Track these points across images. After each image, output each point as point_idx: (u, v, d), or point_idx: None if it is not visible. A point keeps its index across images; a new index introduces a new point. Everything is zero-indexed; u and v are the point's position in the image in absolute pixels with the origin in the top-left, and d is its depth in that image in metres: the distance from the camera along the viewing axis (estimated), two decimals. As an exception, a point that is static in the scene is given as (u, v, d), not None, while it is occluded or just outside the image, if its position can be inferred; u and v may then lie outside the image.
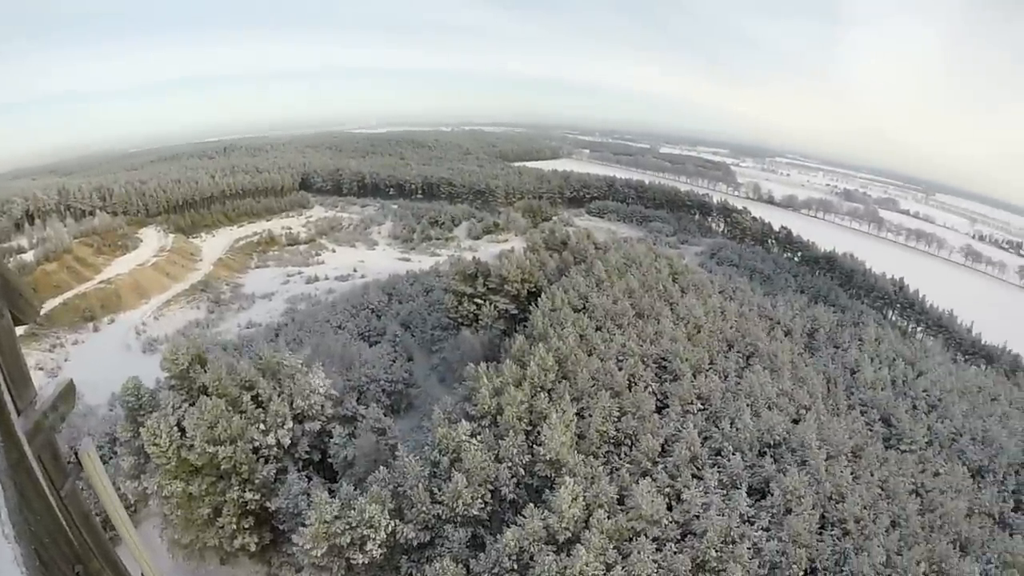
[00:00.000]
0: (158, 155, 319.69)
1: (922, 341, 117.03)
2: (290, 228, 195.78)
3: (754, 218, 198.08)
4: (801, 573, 45.47)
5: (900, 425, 69.82)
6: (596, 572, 40.73)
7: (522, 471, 51.77)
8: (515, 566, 42.47)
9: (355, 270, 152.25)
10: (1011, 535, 55.94)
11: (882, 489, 56.78)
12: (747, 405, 63.12)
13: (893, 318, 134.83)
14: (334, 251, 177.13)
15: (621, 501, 48.86)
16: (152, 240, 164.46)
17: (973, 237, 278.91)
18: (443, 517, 47.31)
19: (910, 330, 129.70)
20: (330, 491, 49.21)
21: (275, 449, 53.72)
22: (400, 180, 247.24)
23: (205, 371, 54.44)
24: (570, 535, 44.49)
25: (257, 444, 52.34)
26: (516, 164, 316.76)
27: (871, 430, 68.77)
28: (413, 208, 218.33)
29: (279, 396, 56.42)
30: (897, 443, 67.96)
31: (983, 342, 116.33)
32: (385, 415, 64.05)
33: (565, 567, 40.57)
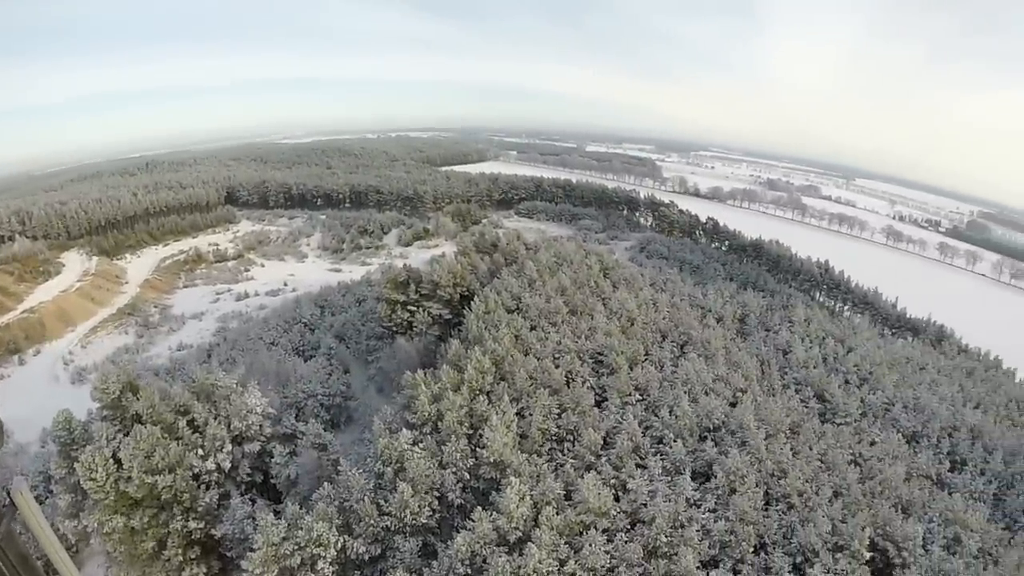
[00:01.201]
0: (78, 174, 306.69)
1: (850, 318, 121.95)
2: (217, 244, 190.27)
3: (681, 211, 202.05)
4: (751, 549, 46.46)
5: (834, 400, 72.37)
6: (550, 569, 40.63)
7: (467, 475, 51.30)
8: (469, 571, 42.11)
9: (285, 284, 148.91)
10: (950, 494, 59.07)
11: (822, 462, 58.77)
12: (684, 392, 64.38)
13: (820, 299, 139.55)
14: (263, 266, 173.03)
15: (568, 496, 48.92)
16: (75, 264, 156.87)
17: (893, 218, 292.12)
18: (392, 528, 46.55)
19: (838, 309, 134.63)
20: (275, 512, 47.72)
21: (216, 474, 51.91)
22: (327, 190, 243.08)
23: (138, 399, 52.23)
24: (521, 535, 44.26)
25: (197, 470, 50.49)
26: (444, 169, 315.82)
27: (807, 407, 71.07)
28: (342, 218, 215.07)
29: (215, 419, 54.57)
30: (833, 417, 70.41)
31: (908, 315, 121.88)
32: (325, 430, 62.58)
33: (519, 567, 40.40)
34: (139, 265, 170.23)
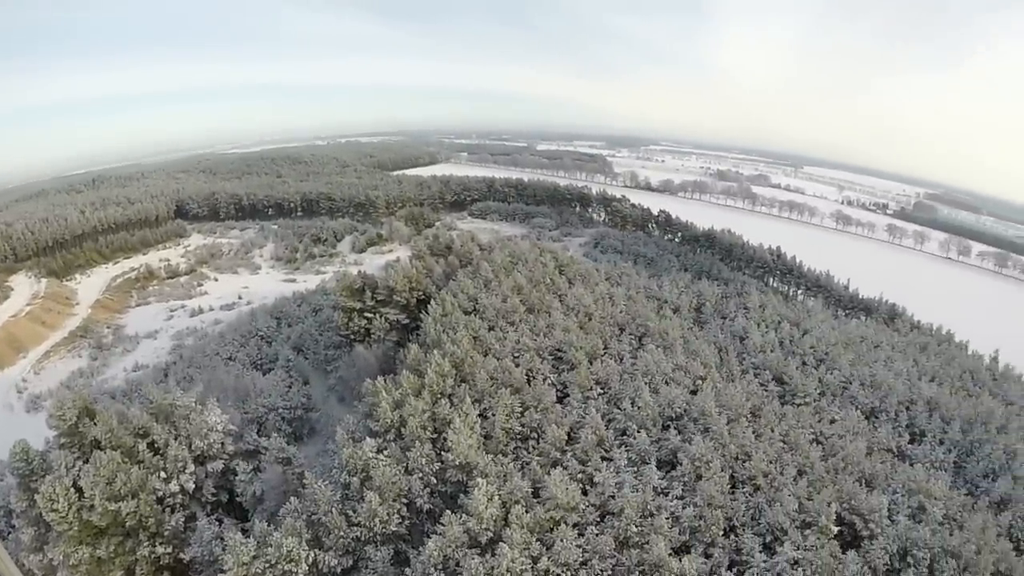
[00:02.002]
0: (23, 193, 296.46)
1: (803, 302, 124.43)
2: (168, 260, 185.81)
3: (633, 205, 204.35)
4: (721, 533, 47.12)
5: (792, 381, 74.09)
6: (523, 568, 40.58)
7: (434, 480, 51.11)
8: (442, 575, 41.75)
9: (240, 297, 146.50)
10: (911, 465, 61.11)
11: (784, 442, 59.91)
12: (645, 383, 65.00)
13: (774, 284, 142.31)
14: (216, 279, 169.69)
15: (536, 494, 48.90)
16: (23, 287, 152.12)
17: (842, 203, 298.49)
18: (362, 539, 46.11)
19: (791, 293, 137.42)
20: (243, 531, 47.11)
21: (180, 496, 50.85)
22: (278, 199, 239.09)
23: (95, 424, 50.94)
24: (492, 535, 44.18)
25: (160, 493, 49.37)
26: (395, 173, 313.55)
27: (766, 390, 72.50)
28: (294, 227, 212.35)
29: (176, 439, 53.49)
30: (792, 398, 72.01)
31: (860, 296, 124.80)
32: (288, 444, 61.72)
33: (492, 567, 40.31)
34: (89, 285, 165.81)
